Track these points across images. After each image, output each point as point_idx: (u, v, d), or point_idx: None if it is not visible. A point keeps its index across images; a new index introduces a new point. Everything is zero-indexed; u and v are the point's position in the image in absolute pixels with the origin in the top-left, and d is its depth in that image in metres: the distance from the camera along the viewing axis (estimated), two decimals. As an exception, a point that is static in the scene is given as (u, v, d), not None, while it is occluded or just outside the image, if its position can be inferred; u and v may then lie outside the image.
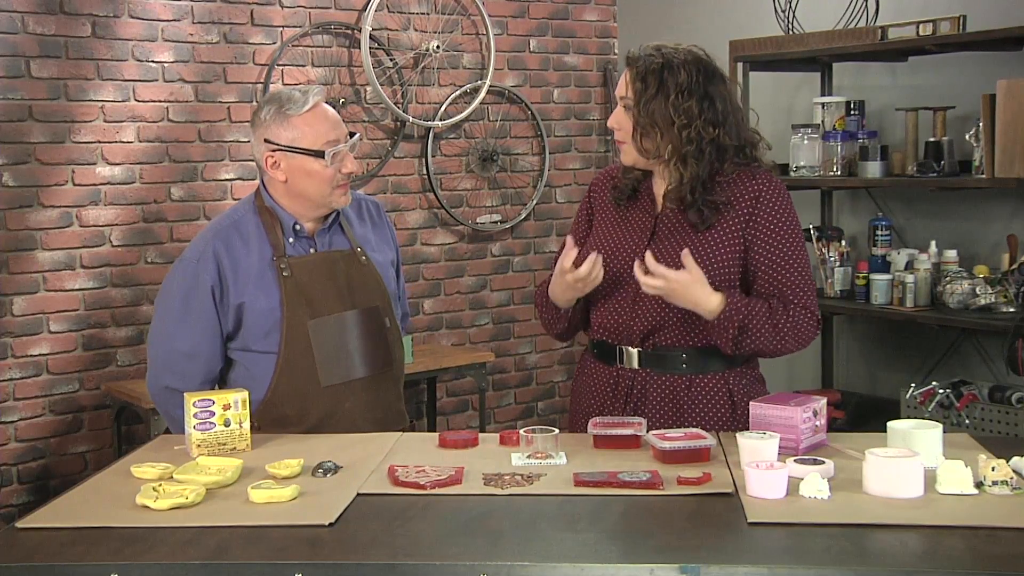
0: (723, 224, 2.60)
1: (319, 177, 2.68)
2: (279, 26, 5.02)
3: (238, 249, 2.70)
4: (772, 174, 2.67)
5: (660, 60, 2.59)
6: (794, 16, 4.73)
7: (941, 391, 4.09)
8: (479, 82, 5.54)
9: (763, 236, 2.60)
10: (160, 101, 4.73)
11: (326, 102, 2.74)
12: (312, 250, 2.75)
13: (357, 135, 2.75)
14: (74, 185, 4.56)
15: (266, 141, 2.70)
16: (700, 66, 2.60)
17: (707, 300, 2.53)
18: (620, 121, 2.65)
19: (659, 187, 2.69)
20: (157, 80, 4.72)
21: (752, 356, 2.68)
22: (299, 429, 2.70)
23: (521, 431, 2.47)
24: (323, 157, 2.66)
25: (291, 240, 2.73)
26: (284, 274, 2.68)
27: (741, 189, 2.62)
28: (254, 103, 4.95)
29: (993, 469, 2.10)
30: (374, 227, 2.89)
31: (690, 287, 2.51)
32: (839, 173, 4.54)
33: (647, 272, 2.52)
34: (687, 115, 2.56)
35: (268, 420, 2.69)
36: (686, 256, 2.51)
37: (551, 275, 2.75)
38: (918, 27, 4.20)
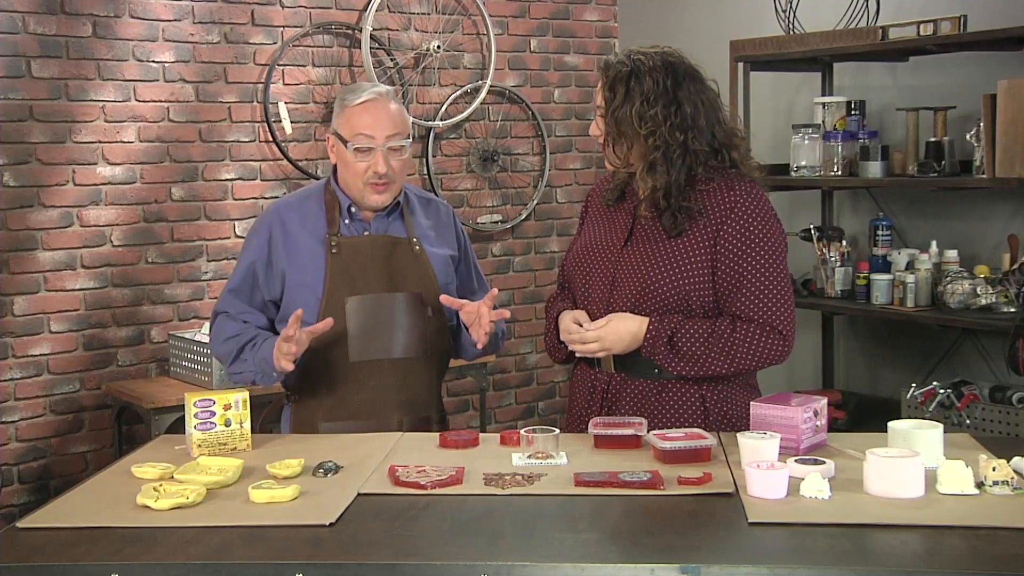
0: (694, 232, 2.58)
1: (351, 169, 2.81)
2: (280, 26, 5.02)
3: (294, 223, 2.86)
4: (754, 184, 2.63)
5: (629, 67, 2.59)
6: (795, 16, 4.72)
7: (942, 391, 4.09)
8: (480, 82, 5.54)
9: (730, 249, 2.56)
10: (161, 101, 4.73)
11: (394, 104, 2.84)
12: (366, 233, 2.87)
13: (407, 141, 2.83)
14: (75, 185, 4.56)
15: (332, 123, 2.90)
16: (669, 71, 2.58)
17: (638, 327, 2.56)
18: (598, 129, 2.68)
19: (640, 190, 2.70)
20: (158, 80, 4.72)
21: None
22: (328, 402, 2.80)
23: (522, 431, 2.48)
24: (347, 147, 2.80)
25: (347, 222, 2.86)
26: (333, 252, 2.81)
27: (717, 199, 2.59)
28: (254, 103, 4.96)
29: (994, 469, 2.10)
30: (438, 225, 2.98)
31: (615, 326, 2.56)
32: (840, 173, 4.54)
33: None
34: (653, 122, 2.56)
35: (298, 390, 2.85)
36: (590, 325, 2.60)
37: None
38: (919, 27, 4.20)
